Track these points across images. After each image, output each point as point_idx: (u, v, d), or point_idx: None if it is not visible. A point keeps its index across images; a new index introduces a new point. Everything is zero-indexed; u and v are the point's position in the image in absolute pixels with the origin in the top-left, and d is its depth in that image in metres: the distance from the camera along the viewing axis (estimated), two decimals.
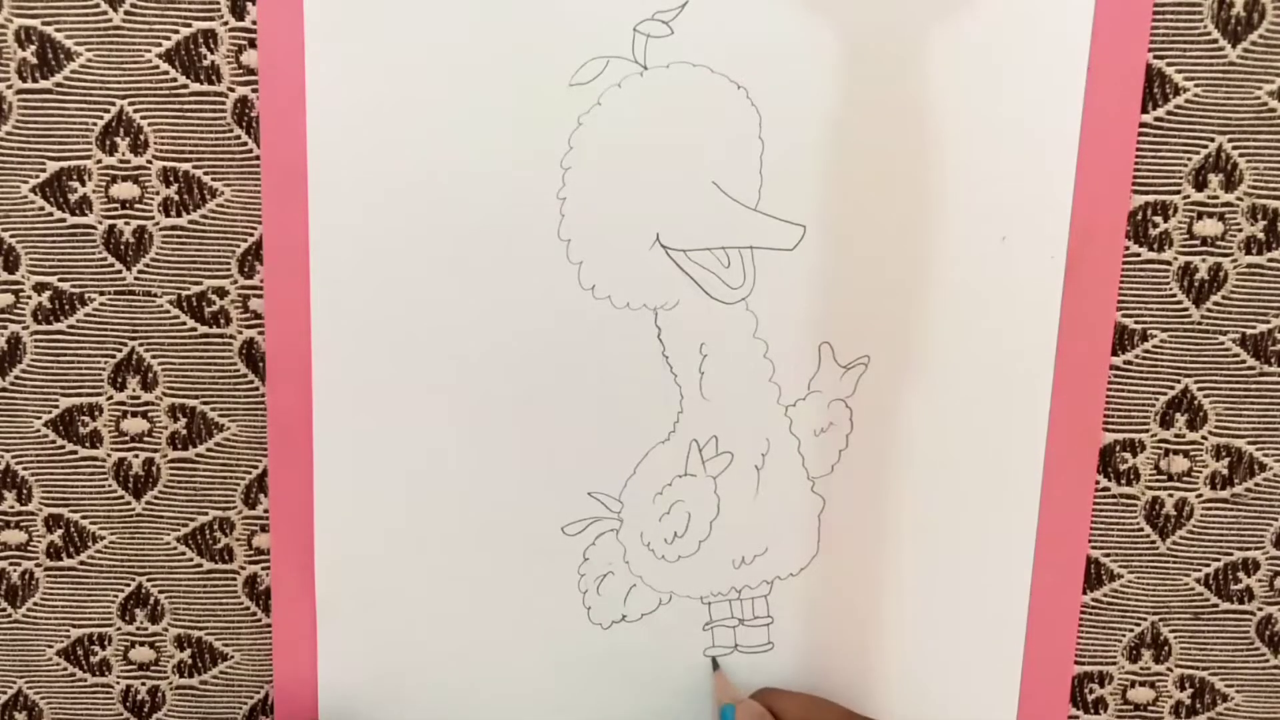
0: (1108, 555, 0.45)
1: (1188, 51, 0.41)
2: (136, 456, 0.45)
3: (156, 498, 0.45)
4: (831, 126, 0.42)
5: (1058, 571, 0.45)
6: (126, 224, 0.43)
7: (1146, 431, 0.44)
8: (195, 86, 0.42)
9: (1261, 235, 0.43)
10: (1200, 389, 0.44)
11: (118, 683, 0.47)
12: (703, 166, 0.42)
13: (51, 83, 0.42)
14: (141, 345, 0.44)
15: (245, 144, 0.42)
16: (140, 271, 0.43)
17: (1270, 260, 0.43)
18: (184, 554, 0.45)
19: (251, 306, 0.43)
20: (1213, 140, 0.42)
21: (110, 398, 0.44)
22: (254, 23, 0.41)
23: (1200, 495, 0.45)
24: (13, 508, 0.45)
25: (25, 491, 0.45)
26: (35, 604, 0.46)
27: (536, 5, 0.41)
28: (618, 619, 0.45)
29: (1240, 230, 0.43)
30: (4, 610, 0.46)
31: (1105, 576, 0.45)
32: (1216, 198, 0.43)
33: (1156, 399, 0.44)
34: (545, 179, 0.42)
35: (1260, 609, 0.46)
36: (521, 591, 0.45)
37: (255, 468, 0.45)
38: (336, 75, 0.41)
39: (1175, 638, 0.46)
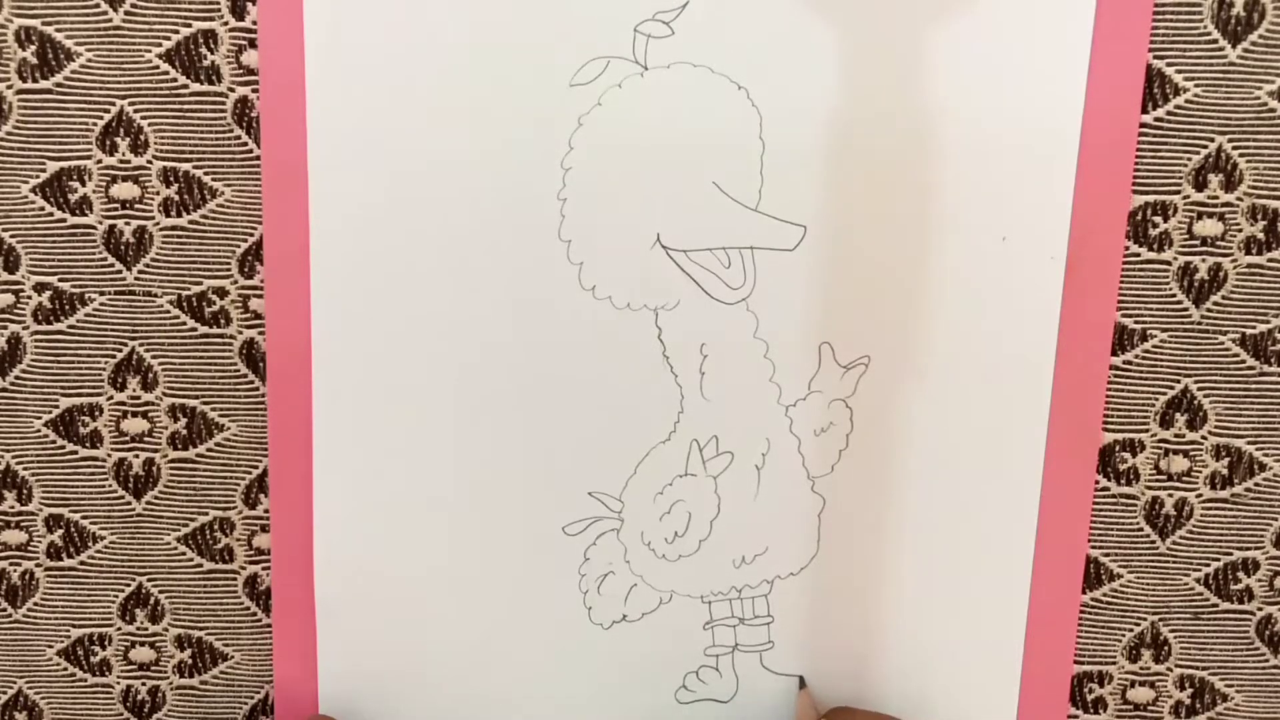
0: (1108, 555, 0.45)
1: (1188, 51, 0.41)
2: (136, 456, 0.45)
3: (156, 498, 0.45)
4: (832, 127, 0.42)
5: (1058, 571, 0.45)
6: (126, 224, 0.43)
7: (1146, 431, 0.44)
8: (195, 86, 0.42)
9: (1261, 235, 0.43)
10: (1200, 389, 0.44)
11: (118, 683, 0.47)
12: (703, 167, 0.42)
13: (51, 83, 0.41)
14: (141, 345, 0.44)
15: (245, 144, 0.42)
16: (140, 271, 0.43)
17: (1270, 260, 0.43)
18: (184, 554, 0.45)
19: (251, 306, 0.43)
20: (1213, 140, 0.42)
21: (110, 398, 0.44)
22: (254, 23, 0.41)
23: (1200, 495, 0.45)
24: (13, 508, 0.45)
25: (25, 491, 0.45)
26: (35, 604, 0.46)
27: (536, 5, 0.41)
28: (618, 619, 0.45)
29: (1240, 230, 0.43)
30: (4, 610, 0.46)
31: (1105, 576, 0.45)
32: (1216, 198, 0.43)
33: (1156, 399, 0.44)
34: (545, 179, 0.42)
35: (1260, 609, 0.46)
36: (521, 591, 0.45)
37: (255, 468, 0.45)
38: (336, 75, 0.41)
39: (1175, 638, 0.46)
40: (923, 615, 0.45)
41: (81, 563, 0.45)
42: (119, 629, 0.46)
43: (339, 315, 0.43)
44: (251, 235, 0.43)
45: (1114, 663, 0.46)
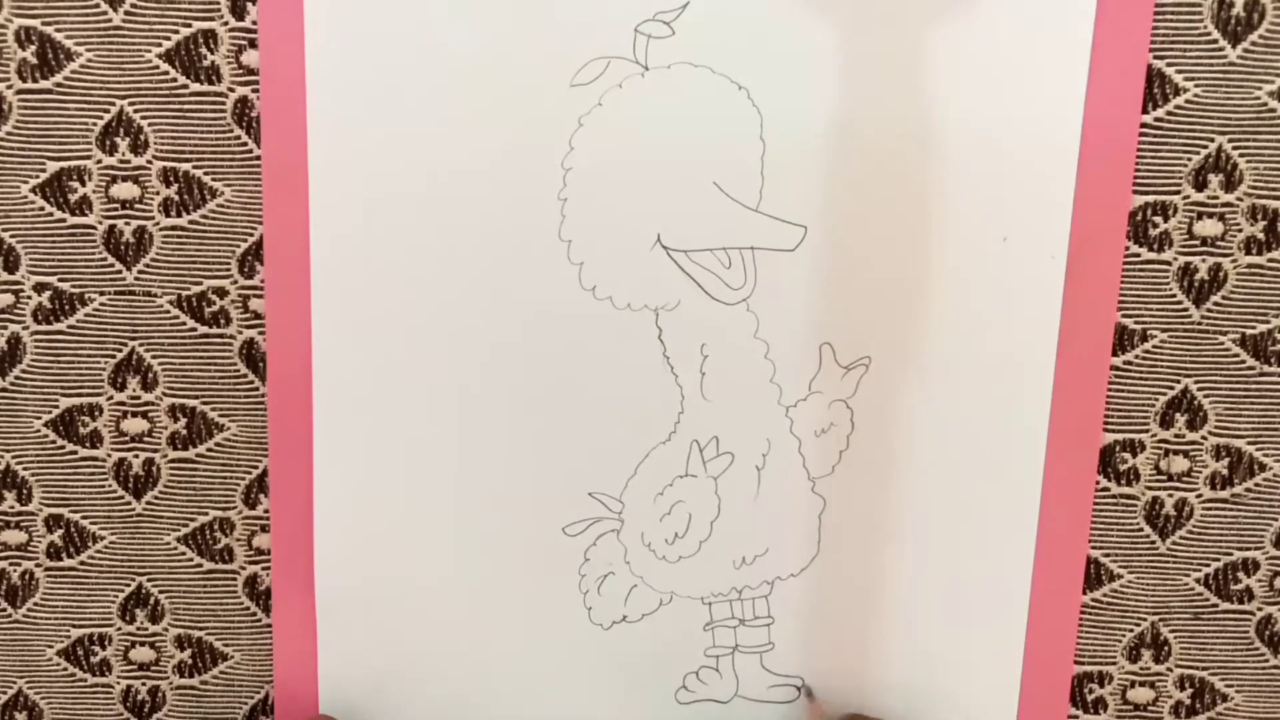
0: (1108, 555, 0.45)
1: (1188, 51, 0.41)
2: (136, 456, 0.45)
3: (156, 498, 0.45)
4: (833, 127, 0.42)
5: (1058, 571, 0.45)
6: (126, 224, 0.43)
7: (1146, 432, 0.44)
8: (195, 86, 0.42)
9: (1261, 235, 0.43)
10: (1200, 389, 0.44)
11: (118, 683, 0.47)
12: (704, 167, 0.42)
13: (51, 83, 0.41)
14: (141, 345, 0.44)
15: (245, 144, 0.42)
16: (140, 271, 0.43)
17: (1270, 260, 0.43)
18: (184, 554, 0.45)
19: (251, 306, 0.43)
20: (1213, 140, 0.42)
21: (110, 398, 0.44)
22: (254, 23, 0.41)
23: (1200, 495, 0.45)
24: (13, 508, 0.45)
25: (25, 491, 0.45)
26: (35, 604, 0.46)
27: (537, 5, 0.41)
28: (618, 619, 0.45)
29: (1240, 230, 0.43)
30: (4, 610, 0.46)
31: (1105, 576, 0.45)
32: (1216, 198, 0.43)
33: (1156, 399, 0.44)
34: (546, 180, 0.42)
35: (1260, 609, 0.46)
36: (522, 592, 0.45)
37: (255, 468, 0.45)
38: (336, 75, 0.41)
39: (1175, 638, 0.46)
40: (923, 616, 0.45)
41: (81, 563, 0.45)
42: (119, 629, 0.46)
43: (339, 315, 0.43)
44: (251, 235, 0.43)
45: (1114, 663, 0.46)
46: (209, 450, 0.45)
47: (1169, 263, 0.43)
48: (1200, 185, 0.42)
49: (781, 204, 0.42)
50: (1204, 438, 0.44)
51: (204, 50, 0.41)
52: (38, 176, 0.42)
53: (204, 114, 0.42)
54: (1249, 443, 0.45)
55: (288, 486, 0.44)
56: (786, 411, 0.44)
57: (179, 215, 0.43)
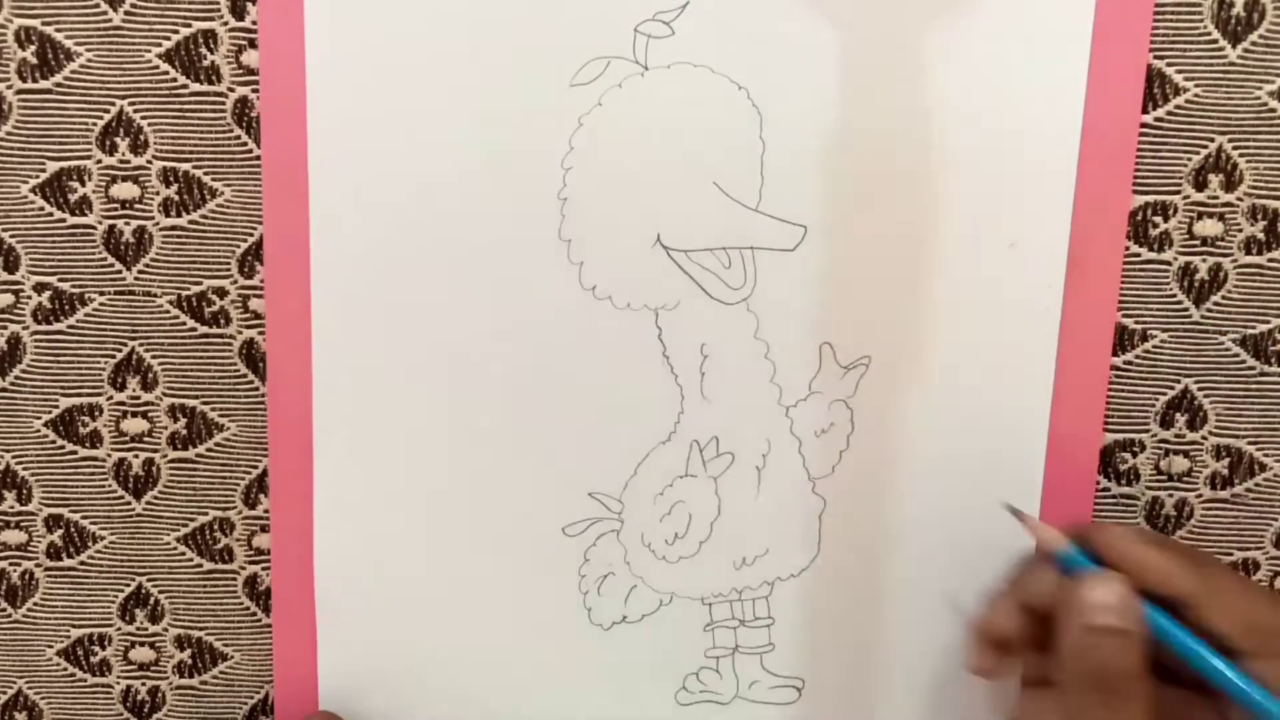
0: None
1: (1188, 51, 0.41)
2: (136, 456, 0.45)
3: (156, 498, 0.45)
4: (833, 127, 0.42)
5: None
6: (126, 224, 0.43)
7: (1146, 432, 0.44)
8: (195, 86, 0.42)
9: (1261, 235, 0.43)
10: (1200, 389, 0.44)
11: (118, 683, 0.47)
12: (704, 167, 0.42)
13: (51, 83, 0.41)
14: (141, 345, 0.44)
15: (245, 144, 0.42)
16: (140, 271, 0.43)
17: (1270, 260, 0.43)
18: (184, 554, 0.45)
19: (251, 306, 0.43)
20: (1213, 140, 0.42)
21: (110, 398, 0.44)
22: (254, 23, 0.41)
23: (1200, 495, 0.45)
24: (13, 508, 0.45)
25: (25, 491, 0.45)
26: (35, 604, 0.46)
27: (537, 5, 0.41)
28: (618, 620, 0.45)
29: (1240, 230, 0.43)
30: (4, 610, 0.46)
31: None
32: (1216, 198, 0.43)
33: (1156, 399, 0.44)
34: (546, 179, 0.42)
35: None
36: (521, 592, 0.45)
37: (255, 468, 0.45)
38: (336, 75, 0.41)
39: None
40: (923, 616, 0.45)
41: (81, 563, 0.45)
42: (119, 629, 0.46)
43: (339, 315, 0.43)
44: (251, 235, 0.43)
45: None
46: (209, 450, 0.45)
47: (1169, 263, 0.43)
48: (1200, 185, 0.42)
49: (781, 204, 0.42)
50: (1204, 438, 0.44)
51: (204, 50, 0.41)
52: (38, 176, 0.42)
53: (204, 114, 0.42)
54: (1249, 443, 0.45)
55: (288, 486, 0.44)
56: (786, 411, 0.44)
57: (179, 215, 0.43)
